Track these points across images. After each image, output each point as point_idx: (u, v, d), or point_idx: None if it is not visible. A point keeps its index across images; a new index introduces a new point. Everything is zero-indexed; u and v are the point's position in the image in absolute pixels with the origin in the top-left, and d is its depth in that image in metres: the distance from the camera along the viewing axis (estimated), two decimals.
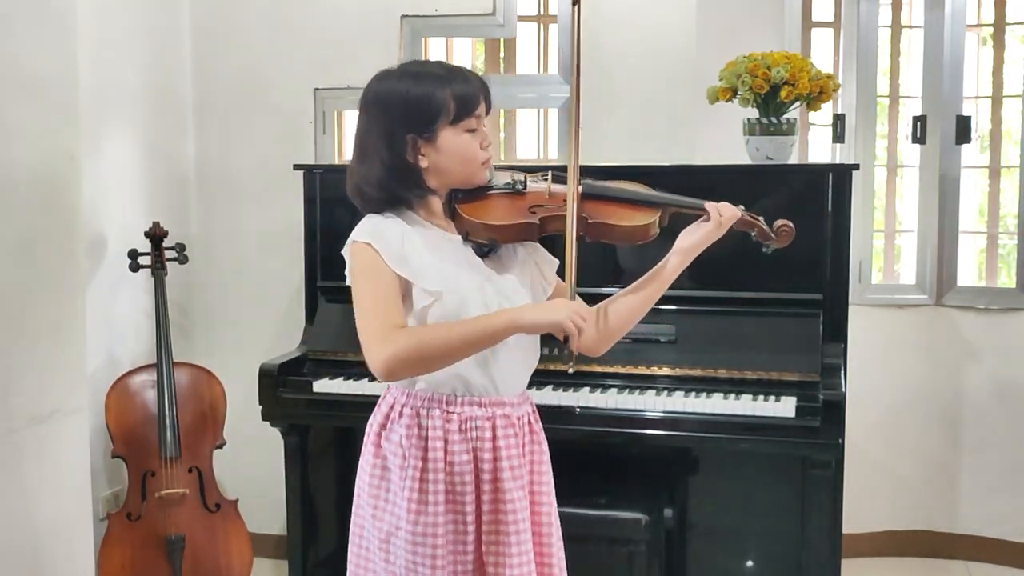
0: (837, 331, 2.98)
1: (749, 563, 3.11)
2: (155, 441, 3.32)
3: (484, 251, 1.98)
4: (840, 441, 2.74)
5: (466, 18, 3.69)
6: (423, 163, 1.91)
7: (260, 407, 3.13)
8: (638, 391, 2.91)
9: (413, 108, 1.89)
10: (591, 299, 2.07)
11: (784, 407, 2.75)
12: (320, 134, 3.78)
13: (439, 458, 1.92)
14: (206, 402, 3.46)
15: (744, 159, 3.20)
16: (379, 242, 1.87)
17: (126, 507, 3.32)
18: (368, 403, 2.97)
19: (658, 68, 3.57)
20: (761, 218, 2.10)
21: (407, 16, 3.70)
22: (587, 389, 2.92)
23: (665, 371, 2.94)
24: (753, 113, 3.15)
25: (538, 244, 2.06)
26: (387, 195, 1.92)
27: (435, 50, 3.99)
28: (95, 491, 3.14)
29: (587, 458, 3.12)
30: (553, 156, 3.82)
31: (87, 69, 3.15)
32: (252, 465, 3.75)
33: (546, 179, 2.03)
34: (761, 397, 2.81)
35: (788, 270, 3.03)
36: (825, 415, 2.72)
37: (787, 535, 3.02)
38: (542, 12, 4.09)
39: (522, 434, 1.99)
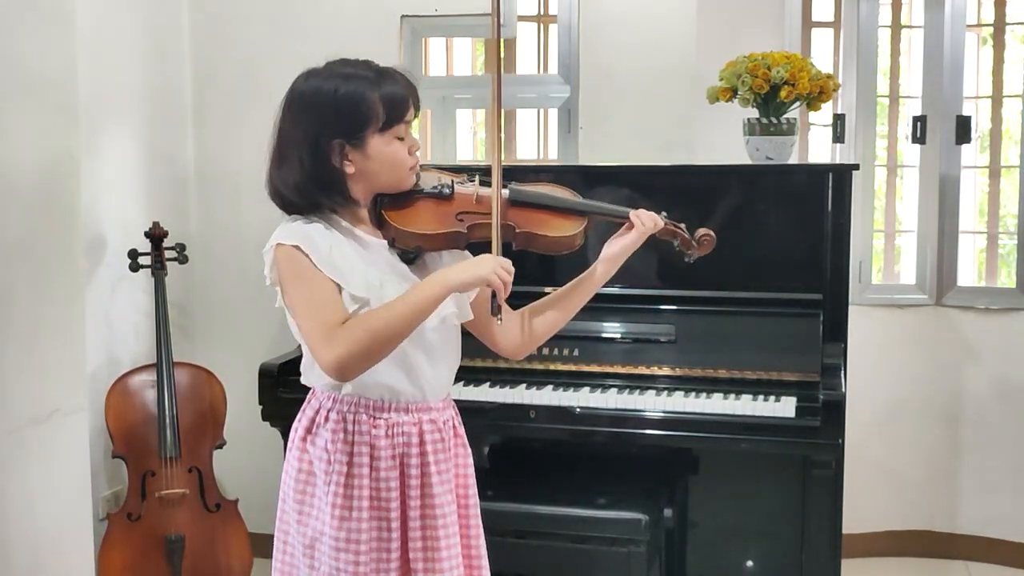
0: (837, 331, 2.98)
1: (749, 563, 3.11)
2: (155, 441, 3.32)
3: (410, 257, 1.96)
4: (840, 441, 2.74)
5: (466, 18, 3.69)
6: (349, 169, 1.88)
7: (260, 407, 3.13)
8: (638, 391, 2.91)
9: (342, 112, 1.86)
10: (526, 298, 2.09)
11: (784, 407, 2.75)
12: None
13: (364, 463, 1.91)
14: (206, 402, 3.46)
15: (744, 159, 3.20)
16: (308, 245, 1.83)
17: (126, 507, 3.32)
18: None
19: (658, 68, 3.57)
20: (683, 225, 2.08)
21: (407, 16, 3.70)
22: (587, 389, 2.92)
23: (665, 371, 2.94)
24: (753, 113, 3.15)
25: (464, 251, 2.01)
26: (308, 200, 1.88)
27: (435, 50, 3.99)
28: (95, 491, 3.13)
29: (587, 458, 3.13)
30: (553, 156, 3.82)
31: (87, 69, 3.15)
32: (252, 465, 3.75)
33: (473, 182, 1.99)
34: (761, 397, 2.81)
35: (788, 270, 3.03)
36: (825, 415, 2.72)
37: (787, 535, 3.02)
38: (542, 12, 4.10)
39: (448, 438, 1.98)
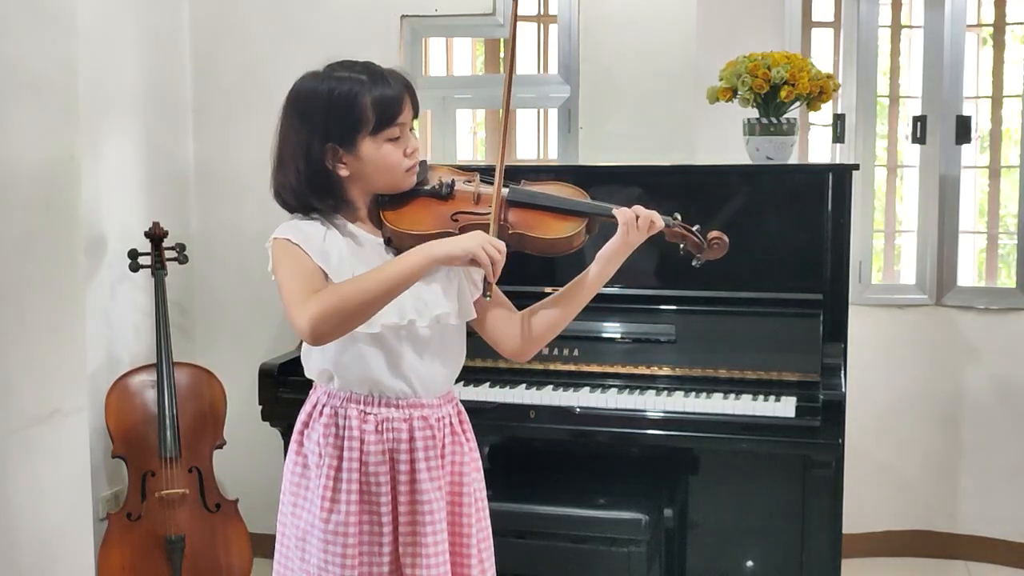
0: (837, 331, 2.98)
1: (749, 563, 3.11)
2: (155, 441, 3.32)
3: None
4: (840, 441, 2.74)
5: (466, 18, 3.69)
6: (343, 172, 1.89)
7: (260, 407, 3.13)
8: (638, 391, 2.91)
9: (333, 117, 1.86)
10: (524, 297, 2.09)
11: (784, 407, 2.75)
12: None
13: (354, 457, 1.92)
14: (206, 402, 3.46)
15: (744, 159, 3.20)
16: (299, 237, 1.86)
17: (126, 507, 3.32)
18: None
19: (658, 68, 3.57)
20: (696, 228, 2.03)
21: (407, 16, 3.70)
22: (587, 389, 2.92)
23: (665, 371, 2.94)
24: (753, 113, 3.15)
25: None
26: (304, 203, 1.91)
27: (435, 50, 3.99)
28: (95, 491, 3.13)
29: (587, 458, 3.13)
30: (553, 156, 3.82)
31: (87, 69, 3.15)
32: (252, 465, 3.75)
33: (474, 181, 1.98)
34: (761, 397, 2.81)
35: (788, 270, 3.03)
36: (825, 415, 2.72)
37: (787, 535, 3.02)
38: (542, 12, 4.10)
39: (441, 435, 1.98)
